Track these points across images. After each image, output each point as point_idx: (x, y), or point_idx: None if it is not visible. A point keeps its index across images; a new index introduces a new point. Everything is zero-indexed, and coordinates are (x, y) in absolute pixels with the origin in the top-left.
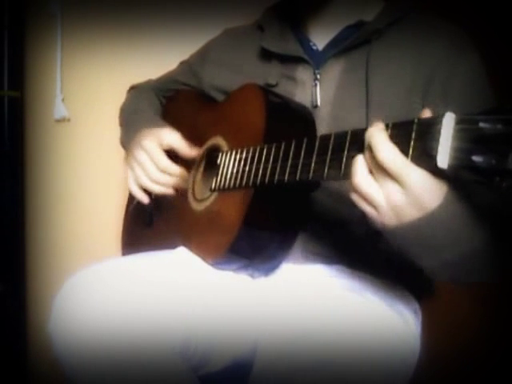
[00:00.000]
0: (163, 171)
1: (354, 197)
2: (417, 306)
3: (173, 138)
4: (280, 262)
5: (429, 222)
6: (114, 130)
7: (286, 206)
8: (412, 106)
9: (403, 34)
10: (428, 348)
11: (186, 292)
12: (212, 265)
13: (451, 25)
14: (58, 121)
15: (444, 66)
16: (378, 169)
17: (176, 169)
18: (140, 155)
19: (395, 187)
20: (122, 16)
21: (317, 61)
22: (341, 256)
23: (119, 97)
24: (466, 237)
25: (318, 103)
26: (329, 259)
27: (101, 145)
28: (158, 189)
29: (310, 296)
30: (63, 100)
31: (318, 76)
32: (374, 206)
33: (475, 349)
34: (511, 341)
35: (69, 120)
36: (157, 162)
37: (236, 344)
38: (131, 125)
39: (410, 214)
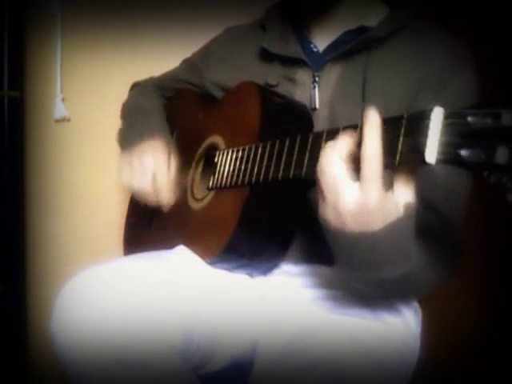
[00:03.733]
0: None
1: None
2: (417, 305)
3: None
4: (278, 262)
5: (370, 239)
6: (114, 130)
7: (283, 205)
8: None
9: (404, 44)
10: (428, 347)
11: (187, 291)
12: (210, 264)
13: (453, 38)
14: (58, 121)
15: (436, 80)
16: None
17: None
18: (149, 162)
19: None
20: (122, 16)
21: (316, 63)
22: None
23: (119, 97)
24: (406, 258)
25: (317, 106)
26: (327, 259)
27: (101, 145)
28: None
29: (309, 296)
30: (63, 100)
31: (317, 78)
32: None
33: (475, 348)
34: (510, 339)
35: (69, 120)
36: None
37: (236, 343)
38: (136, 125)
39: (350, 224)
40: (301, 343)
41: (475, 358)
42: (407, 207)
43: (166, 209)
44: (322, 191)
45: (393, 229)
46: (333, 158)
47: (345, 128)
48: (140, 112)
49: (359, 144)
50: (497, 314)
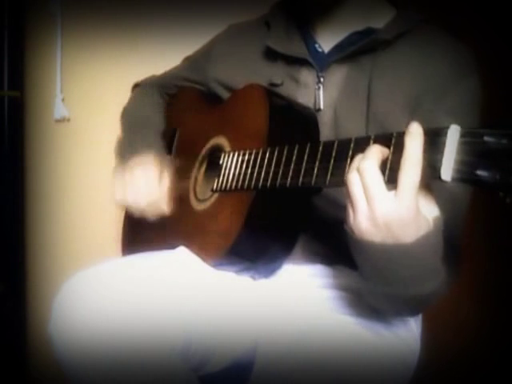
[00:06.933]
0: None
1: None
2: None
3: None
4: (281, 264)
5: (401, 252)
6: (114, 130)
7: (287, 208)
8: (410, 118)
9: (409, 47)
10: (428, 348)
11: (187, 292)
12: (212, 266)
13: (459, 43)
14: (58, 121)
15: (441, 85)
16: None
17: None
18: (139, 177)
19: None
20: (122, 15)
21: (321, 64)
22: (341, 256)
23: (119, 97)
24: (436, 274)
25: (321, 107)
26: (329, 259)
27: (101, 145)
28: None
29: (310, 296)
30: (63, 100)
31: (322, 79)
32: (353, 203)
33: (475, 348)
34: (511, 340)
35: (69, 120)
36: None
37: (236, 344)
38: (132, 138)
39: (381, 234)
40: (301, 344)
41: (475, 359)
42: (436, 221)
43: (156, 219)
44: (353, 200)
45: (424, 242)
46: (370, 166)
47: (357, 139)
48: (138, 123)
49: (394, 154)
50: (497, 315)
